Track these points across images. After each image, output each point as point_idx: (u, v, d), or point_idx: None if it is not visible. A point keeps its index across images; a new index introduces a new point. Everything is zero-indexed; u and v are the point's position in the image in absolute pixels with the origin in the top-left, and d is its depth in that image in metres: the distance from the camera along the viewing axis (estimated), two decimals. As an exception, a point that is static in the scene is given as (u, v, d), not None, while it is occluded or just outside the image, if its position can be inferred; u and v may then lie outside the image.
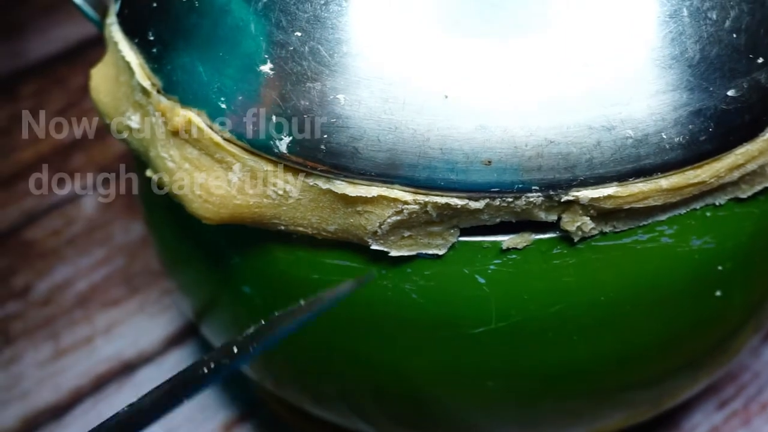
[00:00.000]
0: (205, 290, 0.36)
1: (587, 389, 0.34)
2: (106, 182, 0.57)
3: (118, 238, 0.54)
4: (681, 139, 0.28)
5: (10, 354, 0.49)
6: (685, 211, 0.30)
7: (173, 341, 0.50)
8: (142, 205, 0.38)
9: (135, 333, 0.50)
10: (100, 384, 0.48)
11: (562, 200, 0.28)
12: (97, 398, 0.48)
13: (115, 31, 0.34)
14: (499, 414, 0.35)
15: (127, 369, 0.49)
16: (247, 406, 0.47)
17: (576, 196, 0.28)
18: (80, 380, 0.48)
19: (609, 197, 0.28)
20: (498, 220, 0.29)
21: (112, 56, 0.34)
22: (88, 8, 0.37)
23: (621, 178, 0.28)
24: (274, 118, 0.28)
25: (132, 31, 0.33)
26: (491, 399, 0.33)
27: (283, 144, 0.28)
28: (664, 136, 0.28)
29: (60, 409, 0.47)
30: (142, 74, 0.32)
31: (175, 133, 0.30)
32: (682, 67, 0.28)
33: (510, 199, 0.28)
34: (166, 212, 0.35)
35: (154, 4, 0.32)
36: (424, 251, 0.29)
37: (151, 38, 0.31)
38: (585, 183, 0.28)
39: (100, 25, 0.36)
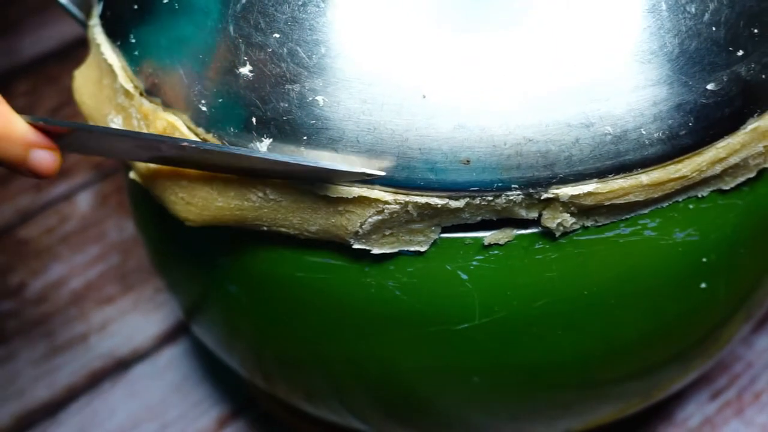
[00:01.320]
0: (193, 290, 0.37)
1: (574, 383, 0.34)
2: (99, 180, 0.57)
3: (112, 236, 0.54)
4: (661, 135, 0.28)
5: (5, 352, 0.49)
6: (667, 204, 0.30)
7: (167, 338, 0.50)
8: (131, 206, 0.39)
9: (129, 330, 0.50)
10: (94, 381, 0.48)
11: (542, 198, 0.28)
12: (91, 395, 0.48)
13: (97, 33, 0.34)
14: (487, 408, 0.35)
15: (121, 366, 0.49)
16: (241, 403, 0.47)
17: (556, 193, 0.28)
18: (75, 378, 0.48)
19: (589, 194, 0.28)
20: (479, 218, 0.29)
21: (94, 58, 0.34)
22: (73, 8, 0.37)
23: (601, 174, 0.28)
24: (253, 120, 0.28)
25: (114, 33, 0.33)
26: (478, 394, 0.34)
27: (263, 146, 0.28)
28: (644, 132, 0.28)
29: (54, 407, 0.47)
30: (124, 77, 0.32)
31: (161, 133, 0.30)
32: (661, 61, 0.28)
33: (490, 198, 0.28)
34: (152, 213, 0.35)
35: (135, 6, 0.32)
36: (406, 248, 0.30)
37: (133, 40, 0.31)
38: (565, 180, 0.28)
39: (86, 25, 0.36)
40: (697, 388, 0.46)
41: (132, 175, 0.32)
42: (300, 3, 0.28)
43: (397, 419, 0.37)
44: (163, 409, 0.48)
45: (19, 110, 0.28)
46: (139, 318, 0.51)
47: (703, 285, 0.32)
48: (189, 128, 0.30)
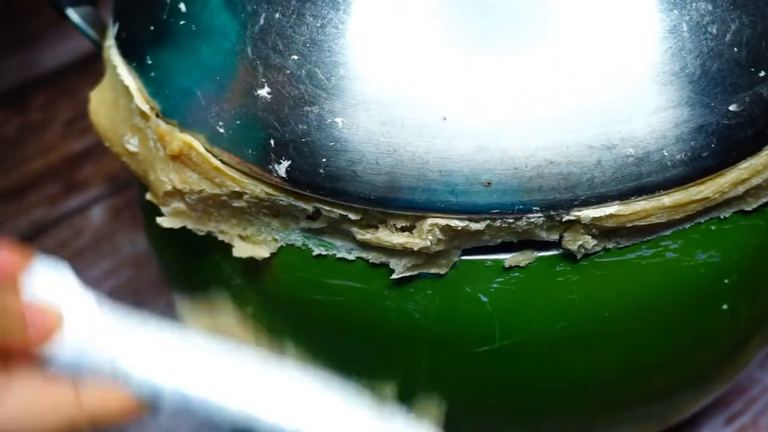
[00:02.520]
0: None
1: (593, 405, 0.34)
2: (112, 193, 0.57)
3: (125, 250, 0.54)
4: (683, 156, 0.28)
5: (19, 369, 0.49)
6: (689, 226, 0.30)
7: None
8: (145, 224, 0.38)
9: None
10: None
11: (564, 220, 0.28)
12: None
13: (113, 55, 0.33)
14: (504, 430, 0.35)
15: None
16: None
17: (577, 215, 0.28)
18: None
19: (611, 216, 0.28)
20: (499, 240, 0.29)
21: (110, 79, 0.34)
22: (86, 27, 0.37)
23: (623, 196, 0.28)
24: (272, 142, 0.28)
25: (130, 55, 0.32)
26: (496, 416, 0.33)
27: (282, 168, 0.28)
28: (666, 154, 0.28)
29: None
30: (140, 98, 0.31)
31: (174, 157, 0.30)
32: (682, 83, 0.28)
33: (511, 220, 0.28)
34: (167, 234, 0.35)
35: (152, 28, 0.31)
36: (425, 270, 0.29)
37: (150, 62, 0.31)
38: (586, 202, 0.28)
39: (100, 45, 0.36)
40: (712, 412, 0.46)
41: (149, 196, 0.32)
42: (318, 25, 0.28)
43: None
44: (173, 428, 0.47)
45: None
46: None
47: (725, 306, 0.32)
48: (206, 149, 0.30)
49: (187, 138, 0.30)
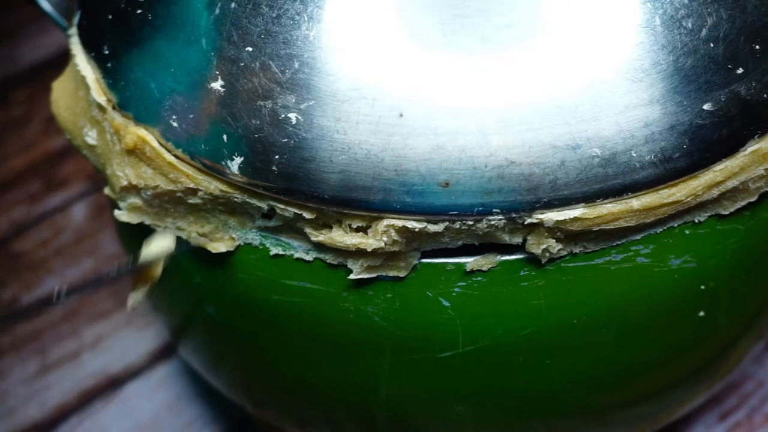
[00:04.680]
0: (174, 311, 0.35)
1: (565, 412, 0.32)
2: (95, 191, 0.56)
3: (106, 248, 0.53)
4: (653, 157, 0.27)
5: (-4, 369, 0.48)
6: (661, 230, 0.29)
7: (160, 355, 0.49)
8: (113, 222, 0.37)
9: (122, 347, 0.49)
10: (85, 400, 0.47)
11: (526, 223, 0.27)
12: (82, 415, 0.47)
13: (74, 44, 0.33)
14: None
15: (113, 384, 0.48)
16: (234, 423, 0.46)
17: (540, 218, 0.27)
18: (66, 397, 0.47)
19: (576, 219, 0.27)
20: (460, 242, 0.27)
21: (71, 69, 0.33)
22: (57, 16, 0.36)
23: (588, 199, 0.27)
24: (224, 137, 0.27)
25: (89, 44, 0.32)
26: (464, 422, 0.32)
27: (234, 165, 0.27)
28: (634, 155, 0.26)
29: (45, 426, 0.46)
30: (97, 89, 0.30)
31: (129, 152, 0.29)
32: (653, 80, 0.27)
33: (470, 222, 0.27)
34: (129, 230, 0.34)
35: (110, 17, 0.31)
36: (384, 273, 0.28)
37: (107, 52, 0.30)
38: (549, 205, 0.26)
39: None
40: (705, 409, 0.45)
41: (107, 191, 0.31)
42: (274, 15, 0.27)
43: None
44: (154, 429, 0.47)
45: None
46: (132, 334, 0.50)
47: (701, 313, 0.31)
48: (160, 143, 0.28)
49: (141, 132, 0.29)
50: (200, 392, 0.47)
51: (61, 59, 0.62)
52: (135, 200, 0.30)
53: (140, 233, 0.32)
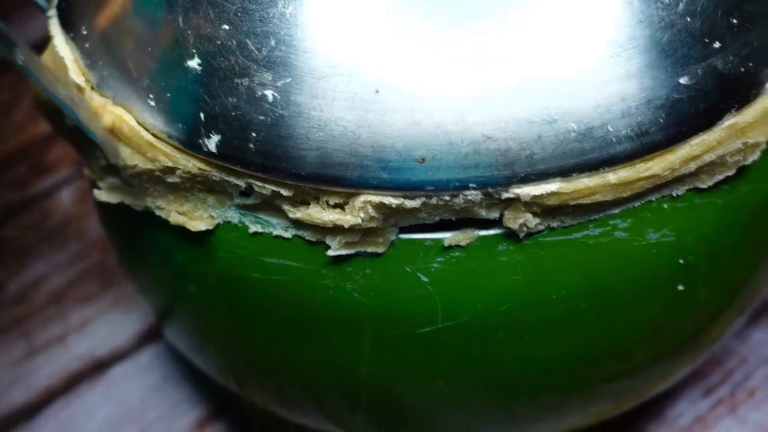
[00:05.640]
0: (158, 292, 0.35)
1: (547, 387, 0.33)
2: (83, 176, 0.56)
3: (93, 232, 0.53)
4: (629, 132, 0.27)
5: (-18, 354, 0.48)
6: (639, 204, 0.29)
7: (147, 338, 0.49)
8: (96, 205, 0.37)
9: (109, 329, 0.49)
10: (72, 383, 0.47)
11: (503, 198, 0.27)
12: (69, 398, 0.47)
13: (53, 24, 0.32)
14: (458, 413, 0.34)
15: (100, 367, 0.48)
16: (221, 404, 0.46)
17: (517, 193, 0.27)
18: (52, 380, 0.47)
19: (552, 194, 0.27)
20: (437, 218, 0.28)
21: (50, 50, 0.33)
22: (39, -1, 0.36)
23: (564, 173, 0.27)
24: (202, 115, 0.27)
25: (68, 25, 0.32)
26: (447, 398, 0.32)
27: (212, 143, 0.27)
28: (611, 129, 0.27)
29: (31, 410, 0.46)
30: (76, 70, 0.30)
31: (108, 132, 0.29)
32: (630, 54, 0.27)
33: (447, 198, 0.27)
34: (110, 210, 0.34)
35: (88, -2, 0.30)
36: (362, 249, 0.28)
37: (85, 32, 0.30)
38: (526, 179, 0.26)
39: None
40: (688, 386, 0.45)
41: (86, 171, 0.31)
42: (250, -7, 0.27)
43: (373, 424, 0.36)
44: (142, 411, 0.47)
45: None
46: (119, 316, 0.50)
47: (680, 287, 0.31)
48: (138, 123, 0.29)
49: (119, 111, 0.29)
50: (187, 374, 0.48)
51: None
52: (114, 180, 0.30)
53: (121, 213, 0.32)
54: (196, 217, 0.30)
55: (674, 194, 0.29)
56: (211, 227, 0.30)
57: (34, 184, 0.56)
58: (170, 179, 0.29)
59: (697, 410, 0.44)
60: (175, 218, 0.30)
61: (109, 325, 0.50)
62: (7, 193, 0.55)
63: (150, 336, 0.49)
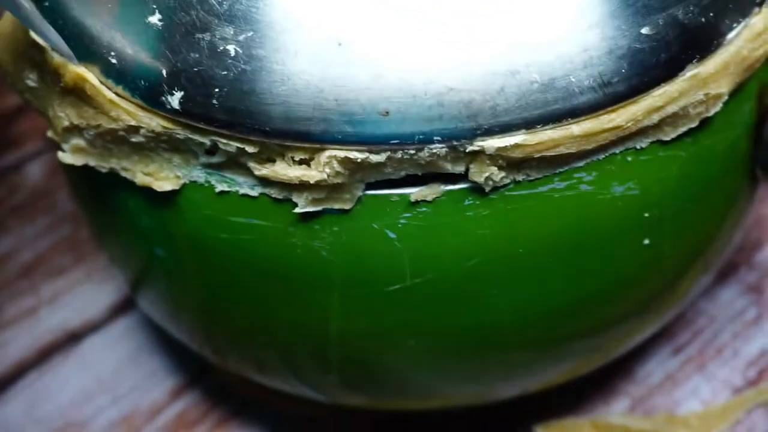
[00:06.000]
0: (127, 258, 0.35)
1: (516, 343, 0.33)
2: (50, 149, 0.55)
3: (63, 206, 0.53)
4: (591, 82, 0.27)
5: (-49, 328, 0.48)
6: (603, 157, 0.29)
7: (119, 309, 0.49)
8: (62, 171, 0.37)
9: (81, 302, 0.49)
10: (44, 355, 0.47)
11: (468, 151, 0.27)
12: (41, 370, 0.47)
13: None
14: (431, 371, 0.34)
15: (72, 339, 0.48)
16: (195, 373, 0.46)
17: (481, 146, 0.27)
18: (24, 352, 0.47)
19: (516, 146, 0.27)
20: (403, 173, 0.28)
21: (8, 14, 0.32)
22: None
23: (528, 125, 0.27)
24: (164, 72, 0.27)
25: (26, -14, 0.31)
26: (418, 357, 0.32)
27: (174, 100, 0.27)
28: (573, 80, 0.27)
29: (3, 383, 0.46)
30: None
31: (68, 91, 0.29)
32: (591, 4, 0.27)
33: (412, 152, 0.27)
34: (79, 177, 0.34)
35: (47, -44, 0.30)
36: (330, 206, 0.28)
37: (44, -8, 0.30)
38: (490, 132, 0.27)
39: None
40: (658, 344, 0.45)
41: (49, 133, 0.31)
42: (210, -53, 0.27)
43: (346, 386, 0.36)
44: (115, 382, 0.47)
45: None
46: (91, 289, 0.50)
47: (646, 241, 0.31)
48: (100, 81, 0.28)
49: (81, 70, 0.28)
50: (160, 344, 0.47)
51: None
52: (78, 141, 0.30)
53: (87, 178, 0.32)
54: (162, 178, 0.30)
55: (638, 146, 0.29)
56: (177, 187, 0.30)
57: (1, 159, 0.55)
58: (134, 139, 0.29)
59: (667, 369, 0.45)
60: (140, 179, 0.30)
61: (81, 297, 0.49)
62: (-26, 167, 0.55)
63: (122, 308, 0.49)
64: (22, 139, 0.56)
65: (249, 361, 0.37)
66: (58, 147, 0.31)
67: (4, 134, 0.56)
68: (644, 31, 0.27)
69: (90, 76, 0.28)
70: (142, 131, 0.28)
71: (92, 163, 0.30)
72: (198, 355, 0.46)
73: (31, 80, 0.31)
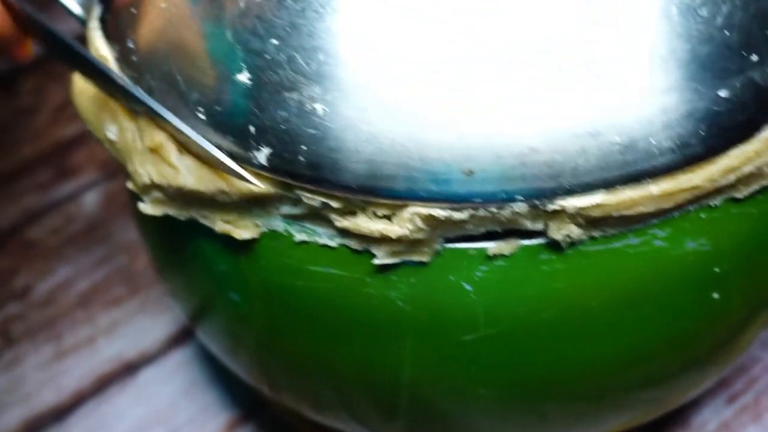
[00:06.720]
0: (195, 297, 0.36)
1: (584, 394, 0.33)
2: (106, 179, 0.56)
3: (118, 236, 0.54)
4: (671, 144, 0.27)
5: (11, 356, 0.49)
6: (678, 214, 0.29)
7: (175, 341, 0.50)
8: (132, 209, 0.38)
9: (136, 333, 0.50)
10: (101, 385, 0.48)
11: (548, 209, 0.27)
12: (99, 400, 0.47)
13: (96, 37, 0.33)
14: (496, 419, 0.34)
15: (129, 369, 0.49)
16: (250, 407, 0.47)
17: (562, 205, 0.27)
18: (82, 381, 0.48)
19: (597, 206, 0.27)
20: (483, 229, 0.28)
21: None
22: (75, 7, 0.36)
23: (608, 185, 0.27)
24: (251, 129, 0.28)
25: (112, 38, 0.32)
26: (486, 405, 0.33)
27: (262, 156, 0.28)
28: (653, 141, 0.27)
29: (62, 411, 0.47)
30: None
31: (152, 150, 0.30)
32: (670, 68, 0.27)
33: (494, 210, 0.27)
34: (151, 219, 0.34)
35: (133, 10, 0.31)
36: (408, 258, 0.29)
37: (131, 46, 0.31)
38: (571, 191, 0.27)
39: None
40: (713, 393, 0.45)
41: (129, 185, 0.32)
42: (299, 8, 0.28)
43: (409, 430, 0.37)
44: (171, 414, 0.47)
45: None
46: (146, 320, 0.51)
47: (715, 295, 0.31)
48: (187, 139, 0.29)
49: (160, 138, 0.29)
50: (215, 377, 0.48)
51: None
52: (158, 194, 0.31)
53: (161, 220, 0.33)
54: (242, 226, 0.30)
55: (712, 204, 0.30)
56: (256, 236, 0.30)
57: (58, 188, 0.56)
58: (221, 198, 0.29)
59: (722, 417, 0.45)
60: (220, 227, 0.30)
61: (137, 328, 0.50)
62: (32, 196, 0.56)
63: (178, 340, 0.50)
64: (79, 169, 0.57)
65: (309, 401, 0.37)
66: (136, 197, 0.32)
67: (62, 164, 0.57)
68: (722, 93, 0.28)
69: (170, 146, 0.29)
70: (231, 194, 0.29)
71: (172, 212, 0.31)
72: (253, 390, 0.46)
73: (111, 133, 0.31)
